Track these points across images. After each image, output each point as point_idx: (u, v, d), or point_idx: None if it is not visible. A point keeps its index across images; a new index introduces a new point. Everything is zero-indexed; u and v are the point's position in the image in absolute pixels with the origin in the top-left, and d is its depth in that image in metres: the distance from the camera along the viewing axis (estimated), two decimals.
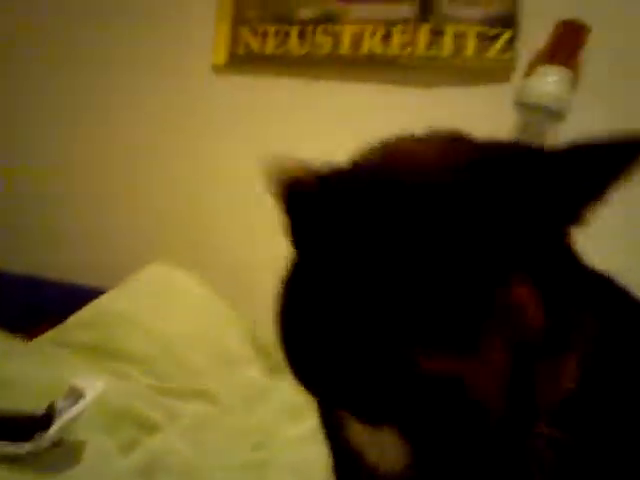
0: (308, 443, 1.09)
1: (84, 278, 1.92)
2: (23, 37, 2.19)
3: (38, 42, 2.16)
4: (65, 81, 2.15)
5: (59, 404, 1.03)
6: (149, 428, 1.18)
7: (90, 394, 1.03)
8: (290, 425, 1.28)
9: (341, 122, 1.85)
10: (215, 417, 1.28)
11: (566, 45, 1.54)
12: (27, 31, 2.18)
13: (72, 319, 1.51)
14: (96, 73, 2.12)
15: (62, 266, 2.02)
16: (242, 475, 1.10)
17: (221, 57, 1.96)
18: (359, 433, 0.52)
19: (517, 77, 1.63)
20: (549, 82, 1.49)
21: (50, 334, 1.48)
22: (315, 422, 1.20)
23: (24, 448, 0.99)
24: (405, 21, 1.78)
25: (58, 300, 1.76)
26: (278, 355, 1.61)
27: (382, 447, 0.50)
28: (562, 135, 1.58)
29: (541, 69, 1.51)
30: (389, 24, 1.79)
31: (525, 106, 1.55)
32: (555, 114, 1.51)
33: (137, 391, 1.27)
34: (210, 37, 1.97)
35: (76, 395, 1.03)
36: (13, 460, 0.98)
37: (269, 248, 1.85)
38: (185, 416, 1.25)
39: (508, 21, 1.67)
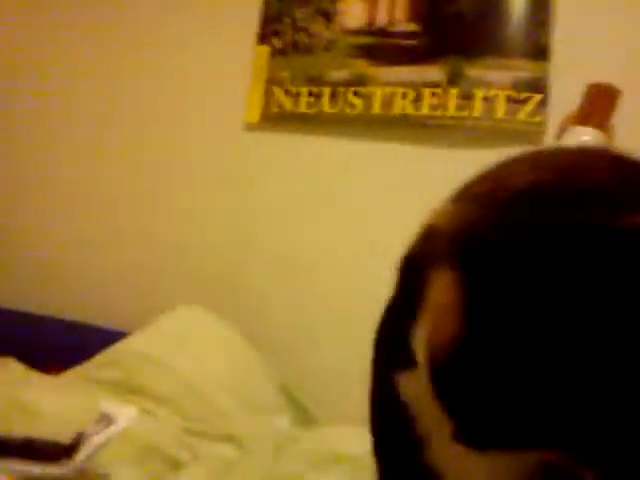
0: None
1: (105, 321, 1.91)
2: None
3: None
4: (96, 137, 2.20)
5: (90, 429, 1.00)
6: (175, 466, 1.14)
7: (122, 420, 1.00)
8: (317, 475, 1.24)
9: (372, 181, 1.88)
10: (240, 461, 1.24)
11: (598, 108, 1.57)
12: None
13: (97, 358, 1.48)
14: (130, 128, 2.16)
15: (82, 308, 2.01)
16: None
17: (254, 115, 2.01)
18: (452, 457, 0.49)
19: (548, 140, 1.66)
20: (584, 142, 1.50)
21: (75, 371, 1.46)
22: (341, 474, 1.16)
23: (52, 471, 0.95)
24: (435, 85, 1.82)
25: (78, 342, 1.73)
26: (309, 407, 1.58)
27: (480, 471, 0.48)
28: None
29: (574, 130, 1.53)
30: (419, 87, 1.83)
31: None
32: None
33: (164, 428, 1.23)
34: (243, 96, 2.02)
35: (107, 420, 1.00)
36: None
37: (296, 297, 1.86)
38: (211, 457, 1.21)
39: (538, 85, 1.71)
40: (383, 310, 0.61)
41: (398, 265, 0.58)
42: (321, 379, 1.75)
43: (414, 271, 0.53)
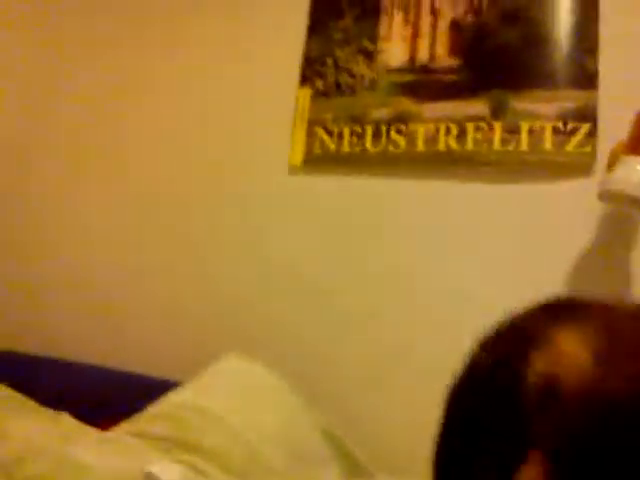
0: None
1: (152, 369, 1.92)
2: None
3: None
4: (132, 184, 2.23)
5: None
6: None
7: None
8: None
9: (418, 219, 1.84)
10: None
11: None
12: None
13: (147, 411, 1.48)
14: (171, 174, 2.19)
15: (128, 356, 2.03)
16: None
17: (298, 158, 2.01)
18: None
19: (597, 170, 1.60)
20: (637, 171, 1.46)
21: (124, 425, 1.45)
22: None
23: None
24: (479, 119, 1.79)
25: (124, 391, 1.74)
26: (357, 456, 1.56)
27: None
28: None
29: (626, 159, 1.49)
30: (463, 122, 1.80)
31: (612, 197, 1.52)
32: None
33: None
34: (287, 140, 2.02)
35: None
36: None
37: (336, 342, 1.83)
38: None
39: (586, 114, 1.66)
40: (464, 397, 0.57)
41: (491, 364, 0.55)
42: (369, 427, 1.72)
43: (518, 413, 0.48)
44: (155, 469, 1.01)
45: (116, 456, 1.21)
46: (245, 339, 1.92)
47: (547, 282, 1.63)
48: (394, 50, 1.98)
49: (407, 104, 1.91)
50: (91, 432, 1.40)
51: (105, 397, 1.74)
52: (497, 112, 1.77)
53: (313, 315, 1.91)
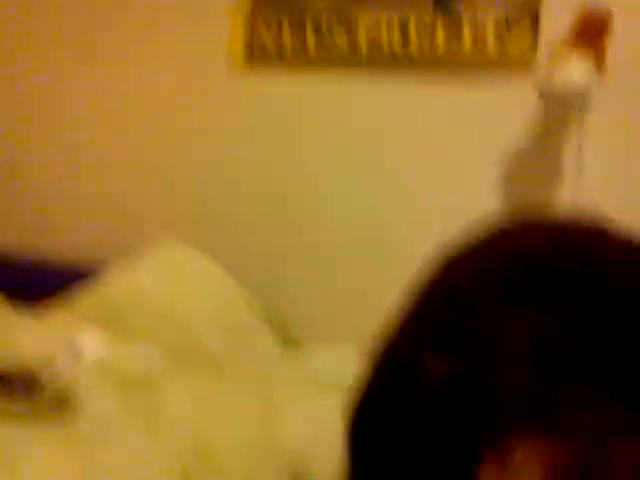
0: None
1: (85, 253, 1.89)
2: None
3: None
4: (80, 80, 2.16)
5: (59, 361, 0.99)
6: (158, 395, 1.14)
7: (91, 351, 0.99)
8: (300, 399, 1.26)
9: (361, 121, 1.83)
10: (224, 389, 1.24)
11: (590, 32, 1.52)
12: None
13: (81, 294, 1.46)
14: (111, 70, 2.12)
15: (62, 243, 2.00)
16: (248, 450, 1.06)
17: (237, 53, 1.95)
18: None
19: (539, 68, 1.60)
20: (574, 69, 1.46)
21: (59, 307, 1.44)
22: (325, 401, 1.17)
23: (23, 405, 0.94)
24: (421, 15, 1.75)
25: (59, 277, 1.71)
26: (290, 327, 1.64)
27: None
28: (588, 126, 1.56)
29: (565, 57, 1.49)
30: (404, 19, 1.77)
31: (550, 95, 1.52)
32: (581, 102, 1.48)
33: (144, 359, 1.23)
34: (225, 33, 1.96)
35: (76, 352, 0.99)
36: (13, 416, 0.93)
37: (278, 228, 1.85)
38: (194, 385, 1.22)
39: (529, 12, 1.64)
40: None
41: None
42: (302, 302, 1.77)
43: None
44: (80, 340, 1.00)
45: (45, 328, 1.21)
46: (184, 224, 1.89)
47: (487, 179, 1.67)
48: None
49: None
50: (20, 310, 1.39)
51: (34, 283, 1.71)
52: (439, 7, 1.74)
53: (251, 204, 1.92)
